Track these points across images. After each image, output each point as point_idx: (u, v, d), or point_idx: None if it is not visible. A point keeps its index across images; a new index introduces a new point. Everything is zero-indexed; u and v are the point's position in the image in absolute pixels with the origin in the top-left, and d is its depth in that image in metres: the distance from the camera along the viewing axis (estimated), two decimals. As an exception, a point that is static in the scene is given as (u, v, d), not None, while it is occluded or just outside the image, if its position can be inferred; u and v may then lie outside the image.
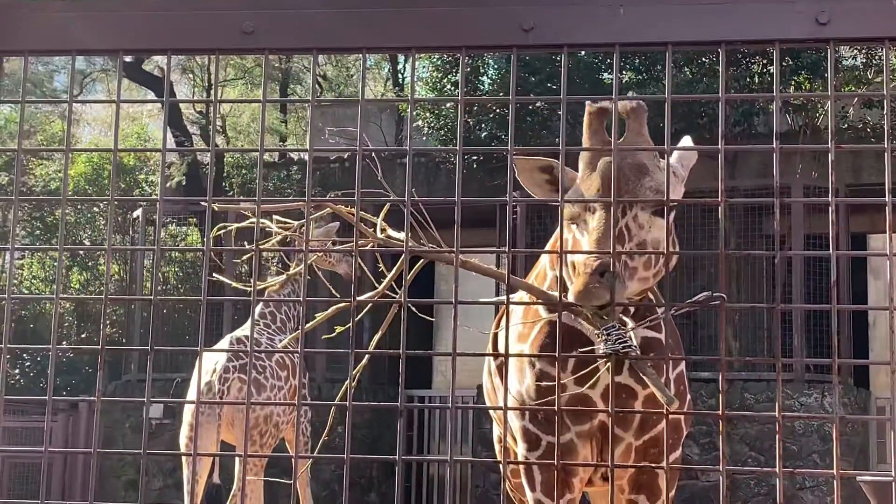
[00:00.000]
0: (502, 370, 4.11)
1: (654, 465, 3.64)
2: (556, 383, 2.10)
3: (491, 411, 4.77)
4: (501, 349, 4.12)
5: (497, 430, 4.65)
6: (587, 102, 3.31)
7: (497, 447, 4.76)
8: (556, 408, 2.14)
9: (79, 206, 18.48)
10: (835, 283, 1.98)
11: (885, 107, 2.06)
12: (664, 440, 3.67)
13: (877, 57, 13.42)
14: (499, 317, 4.39)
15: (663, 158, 3.51)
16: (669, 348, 3.74)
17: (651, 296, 3.67)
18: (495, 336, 4.34)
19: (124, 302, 16.43)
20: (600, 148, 3.20)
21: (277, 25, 2.14)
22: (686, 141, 3.70)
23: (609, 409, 2.16)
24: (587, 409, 3.58)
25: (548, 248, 3.94)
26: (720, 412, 2.00)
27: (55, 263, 18.52)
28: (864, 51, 13.39)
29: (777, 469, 1.96)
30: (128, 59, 16.37)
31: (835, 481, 1.98)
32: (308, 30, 2.16)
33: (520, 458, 3.84)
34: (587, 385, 3.53)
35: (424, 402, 14.94)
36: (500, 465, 3.99)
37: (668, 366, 3.72)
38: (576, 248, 3.27)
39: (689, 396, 4.07)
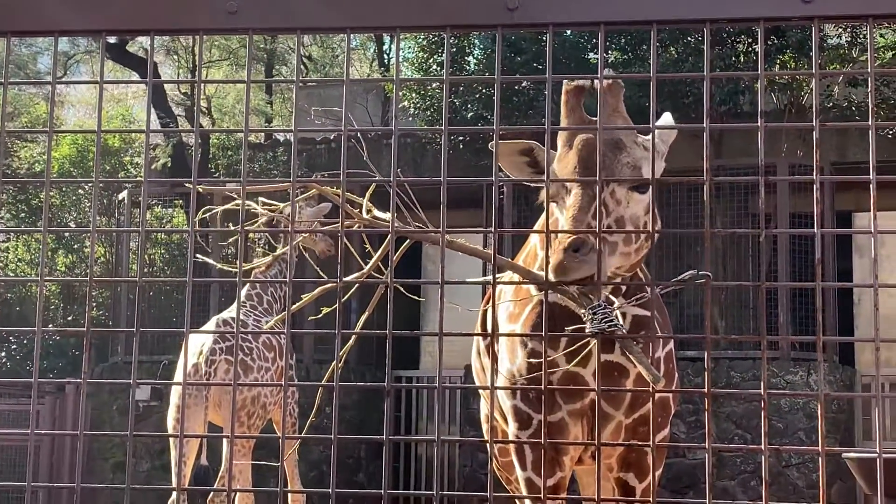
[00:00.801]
0: (489, 350, 4.11)
1: (641, 443, 3.66)
2: (546, 362, 2.11)
3: (480, 390, 4.77)
4: (490, 329, 4.12)
5: (484, 409, 4.66)
6: (564, 81, 3.33)
7: (484, 426, 4.76)
8: (543, 386, 2.14)
9: (63, 189, 18.41)
10: (819, 260, 1.99)
11: (870, 85, 2.07)
12: (654, 418, 3.69)
13: (862, 35, 13.43)
14: (487, 296, 4.39)
15: (641, 134, 3.53)
16: (658, 327, 3.75)
17: (640, 274, 3.68)
18: (484, 316, 4.35)
19: (110, 284, 16.39)
20: (586, 126, 3.21)
21: (261, 5, 2.13)
22: (667, 117, 3.70)
23: (597, 387, 2.17)
24: (578, 388, 3.59)
25: (536, 227, 3.94)
26: (706, 390, 2.01)
27: (40, 246, 18.48)
28: (849, 29, 13.40)
29: (763, 446, 1.97)
30: (112, 40, 16.29)
31: (820, 458, 1.99)
32: (292, 10, 2.15)
33: (510, 437, 3.85)
34: (579, 363, 3.54)
35: (412, 382, 14.95)
36: (488, 445, 4.02)
37: (659, 344, 3.73)
38: (555, 226, 3.28)
39: (676, 375, 4.09)
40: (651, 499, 2.09)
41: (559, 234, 2.98)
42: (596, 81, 3.34)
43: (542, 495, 3.63)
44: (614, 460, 3.82)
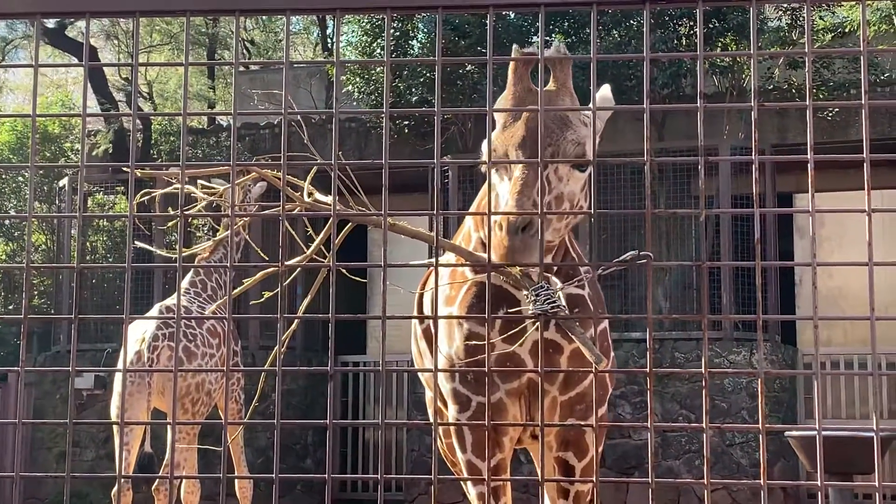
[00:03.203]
0: (427, 333, 4.11)
1: (582, 423, 3.67)
2: (485, 343, 2.12)
3: (420, 375, 4.76)
4: (427, 311, 4.12)
5: (429, 394, 4.65)
6: (514, 47, 3.33)
7: (429, 409, 4.75)
8: (486, 368, 2.15)
9: (3, 176, 18.13)
10: (758, 240, 2.00)
11: (807, 66, 2.09)
12: (591, 396, 3.70)
13: (801, 18, 13.57)
14: (424, 279, 4.38)
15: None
16: (593, 305, 3.76)
17: (574, 255, 3.69)
18: (420, 300, 4.34)
19: (53, 272, 16.17)
20: (526, 108, 3.20)
21: (199, -13, 2.11)
22: (604, 90, 3.70)
23: (539, 367, 2.17)
24: (518, 370, 3.59)
25: (473, 208, 3.94)
26: (648, 369, 2.02)
27: (-20, 234, 18.17)
28: (789, 12, 13.54)
29: (704, 425, 1.99)
30: (50, 24, 16.06)
31: (761, 436, 2.02)
32: (230, -9, 2.13)
33: (450, 420, 3.85)
34: (515, 343, 3.55)
35: (358, 367, 14.92)
36: (433, 428, 4.02)
37: (593, 322, 3.74)
38: (496, 194, 3.28)
39: (612, 353, 4.10)
40: (594, 478, 2.10)
41: (509, 204, 2.97)
42: (551, 53, 3.34)
43: (485, 476, 3.63)
44: (553, 438, 3.81)
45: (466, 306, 3.72)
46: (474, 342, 3.64)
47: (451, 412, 3.80)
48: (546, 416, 3.67)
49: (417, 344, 4.41)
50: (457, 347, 3.72)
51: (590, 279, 3.73)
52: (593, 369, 2.55)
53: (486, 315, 2.12)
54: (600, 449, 3.83)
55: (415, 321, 4.40)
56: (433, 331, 2.86)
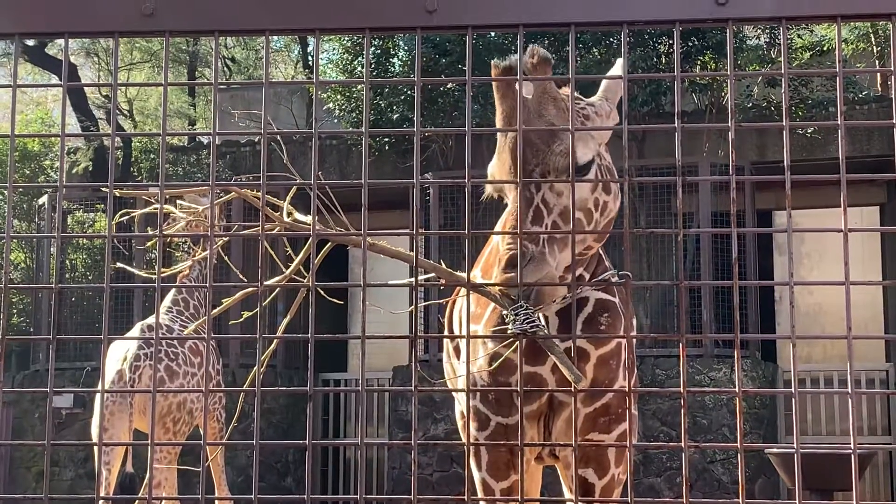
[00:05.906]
0: (458, 351, 4.06)
1: (567, 444, 3.61)
2: (508, 362, 2.13)
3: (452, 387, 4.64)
4: (456, 331, 4.07)
5: (458, 406, 4.54)
6: (492, 62, 3.16)
7: (459, 423, 4.61)
8: (467, 389, 2.15)
9: (-18, 193, 18.06)
10: (736, 260, 2.01)
11: (783, 85, 2.10)
12: (615, 409, 3.56)
13: (779, 36, 13.65)
14: (453, 297, 4.27)
15: (583, 98, 3.50)
16: (623, 315, 3.61)
17: (607, 265, 3.59)
18: (450, 316, 4.25)
19: (32, 291, 16.09)
20: (507, 129, 3.19)
21: (178, 6, 2.11)
22: (617, 66, 3.61)
23: (520, 388, 2.17)
24: (500, 390, 3.56)
25: (500, 224, 3.82)
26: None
27: (-42, 252, 18.06)
28: (767, 30, 13.64)
29: (683, 444, 1.99)
30: (30, 42, 16.03)
31: (739, 455, 2.02)
32: (210, 11, 2.13)
33: (471, 438, 3.75)
34: (537, 363, 3.46)
35: (340, 385, 14.89)
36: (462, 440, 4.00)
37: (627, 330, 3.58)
38: (504, 225, 3.23)
39: (636, 371, 4.00)
40: (574, 496, 2.10)
41: (503, 247, 2.88)
42: (526, 59, 3.16)
43: (494, 498, 3.60)
44: (570, 453, 3.67)
45: (493, 325, 3.59)
46: (497, 362, 3.54)
47: (472, 429, 3.72)
48: (565, 429, 3.57)
49: (451, 361, 4.26)
50: (480, 366, 3.61)
51: (619, 290, 3.61)
52: (621, 377, 2.53)
53: (467, 334, 2.12)
54: (620, 468, 3.67)
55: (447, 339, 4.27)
56: (461, 348, 2.76)
